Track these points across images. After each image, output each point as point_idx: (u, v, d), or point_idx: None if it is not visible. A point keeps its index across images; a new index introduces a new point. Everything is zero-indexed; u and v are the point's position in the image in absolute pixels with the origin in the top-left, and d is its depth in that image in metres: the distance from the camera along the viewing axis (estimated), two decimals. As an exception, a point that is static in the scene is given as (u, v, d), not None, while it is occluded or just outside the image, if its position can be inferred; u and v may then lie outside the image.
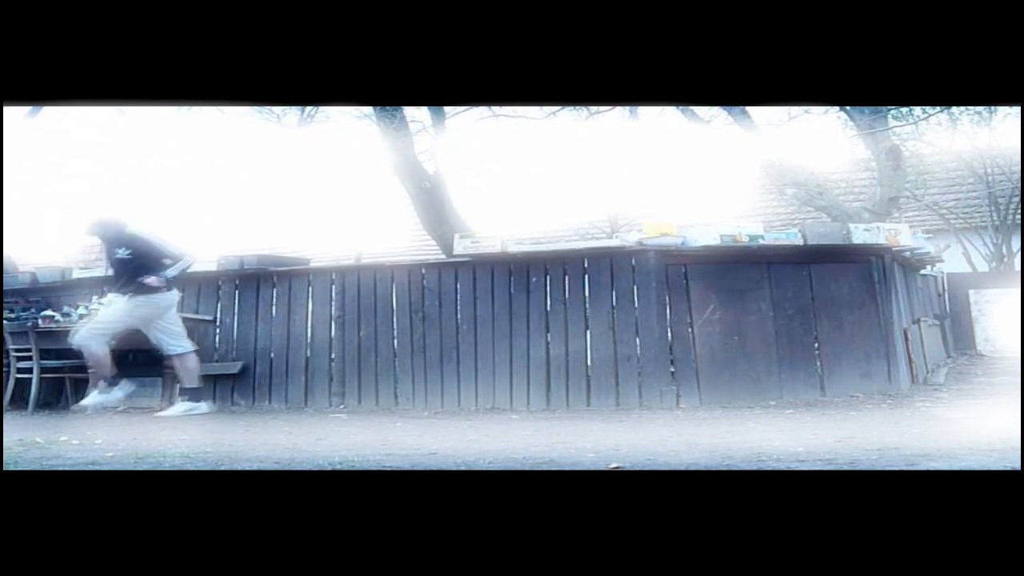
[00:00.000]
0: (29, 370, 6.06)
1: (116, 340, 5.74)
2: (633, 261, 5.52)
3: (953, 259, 11.52)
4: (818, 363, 5.47)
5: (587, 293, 5.58)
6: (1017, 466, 2.40)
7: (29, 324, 6.15)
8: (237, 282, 6.43)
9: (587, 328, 5.55)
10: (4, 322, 6.22)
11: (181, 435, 4.33)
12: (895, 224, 6.77)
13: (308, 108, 9.95)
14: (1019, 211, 12.70)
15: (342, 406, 5.91)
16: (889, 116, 8.71)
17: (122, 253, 5.74)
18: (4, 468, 2.90)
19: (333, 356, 6.08)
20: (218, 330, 6.43)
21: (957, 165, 13.40)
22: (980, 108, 10.46)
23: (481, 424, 4.75)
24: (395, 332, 5.98)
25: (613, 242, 6.08)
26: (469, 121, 9.72)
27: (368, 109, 8.81)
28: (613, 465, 2.81)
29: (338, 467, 2.95)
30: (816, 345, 5.49)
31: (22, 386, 6.18)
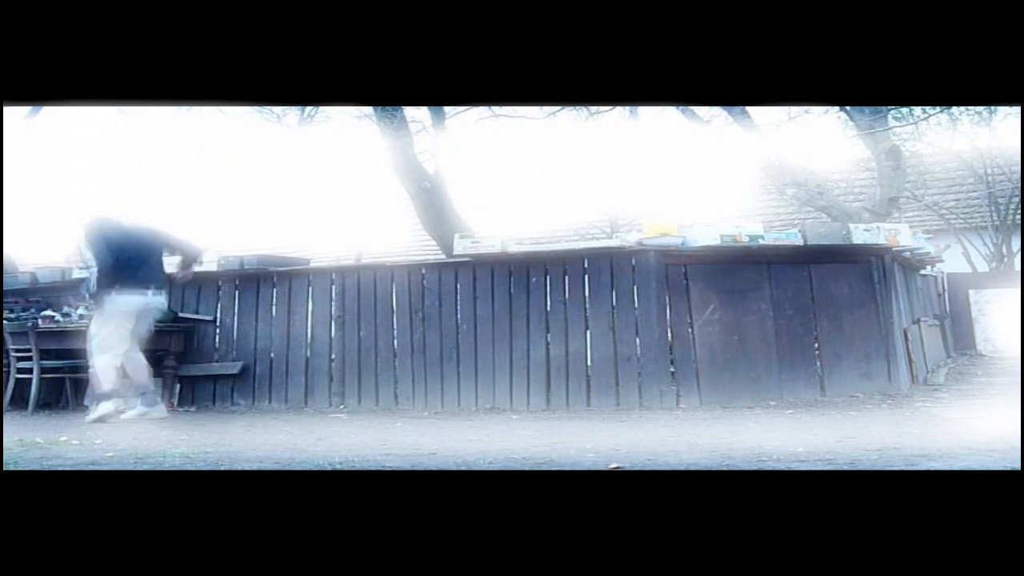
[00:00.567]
0: (29, 370, 6.06)
1: (133, 347, 5.53)
2: (633, 261, 5.52)
3: (953, 259, 11.52)
4: (818, 363, 5.47)
5: (587, 293, 5.59)
6: (1017, 466, 2.40)
7: (29, 324, 6.15)
8: (237, 282, 6.44)
9: (587, 328, 5.55)
10: (4, 322, 6.22)
11: (181, 435, 4.33)
12: (895, 224, 6.77)
13: (308, 108, 9.95)
14: (1019, 211, 12.70)
15: (342, 406, 5.91)
16: (889, 116, 8.71)
17: (103, 252, 5.53)
18: (4, 468, 2.90)
19: (333, 356, 6.09)
20: (218, 330, 6.43)
21: (957, 165, 13.40)
22: (980, 108, 10.46)
23: (481, 424, 4.75)
24: (395, 332, 5.98)
25: (613, 242, 6.08)
26: (469, 121, 9.72)
27: (368, 109, 8.81)
28: (613, 465, 2.81)
29: (338, 467, 2.96)
30: (816, 345, 5.49)
31: (22, 386, 6.18)
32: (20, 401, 6.19)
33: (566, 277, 5.64)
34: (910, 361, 5.99)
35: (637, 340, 5.46)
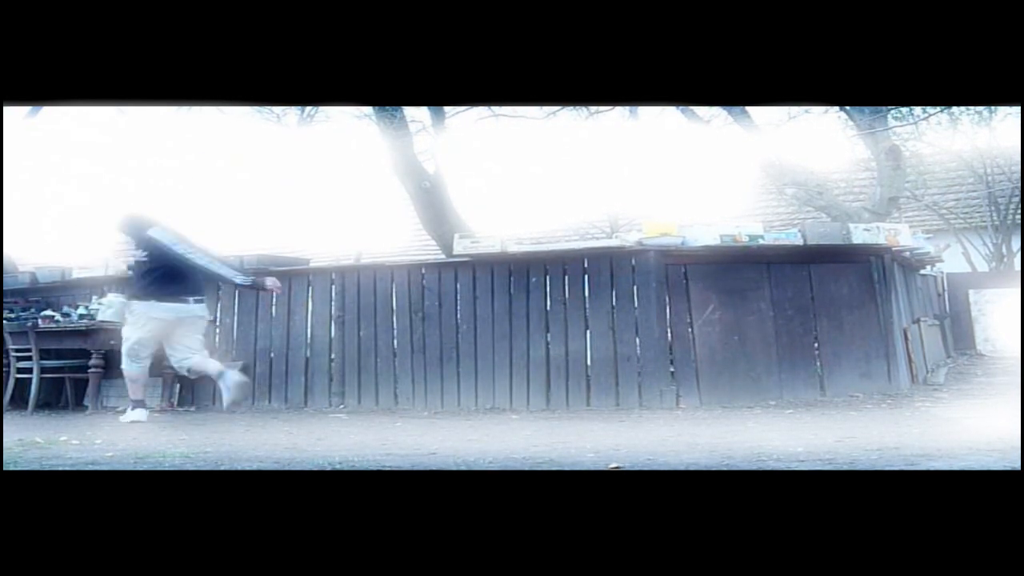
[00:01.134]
0: (29, 370, 6.06)
1: (151, 355, 5.39)
2: (633, 261, 5.52)
3: (953, 259, 11.52)
4: (818, 363, 5.47)
5: (587, 293, 5.59)
6: (1017, 466, 2.40)
7: (29, 324, 6.15)
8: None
9: (587, 328, 5.55)
10: (4, 322, 6.22)
11: (181, 435, 4.33)
12: (895, 224, 6.77)
13: (308, 108, 9.95)
14: (1019, 211, 12.70)
15: (342, 406, 5.91)
16: (889, 116, 8.71)
17: (141, 255, 5.37)
18: (4, 468, 2.90)
19: (333, 356, 6.09)
20: (218, 330, 6.43)
21: (957, 165, 13.40)
22: (980, 108, 10.46)
23: (481, 424, 4.75)
24: (395, 332, 5.98)
25: (613, 242, 6.08)
26: (469, 121, 9.72)
27: (368, 109, 8.81)
28: (613, 465, 2.81)
29: (338, 467, 2.95)
30: (816, 345, 5.49)
31: (22, 386, 6.18)
32: (20, 401, 6.19)
33: (566, 277, 5.64)
34: (910, 361, 5.99)
35: (637, 340, 5.45)
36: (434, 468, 2.90)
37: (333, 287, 6.21)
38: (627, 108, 8.92)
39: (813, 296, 5.53)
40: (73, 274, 6.97)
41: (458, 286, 5.86)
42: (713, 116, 9.24)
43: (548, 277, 5.68)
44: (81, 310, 6.27)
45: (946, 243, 10.70)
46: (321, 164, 14.13)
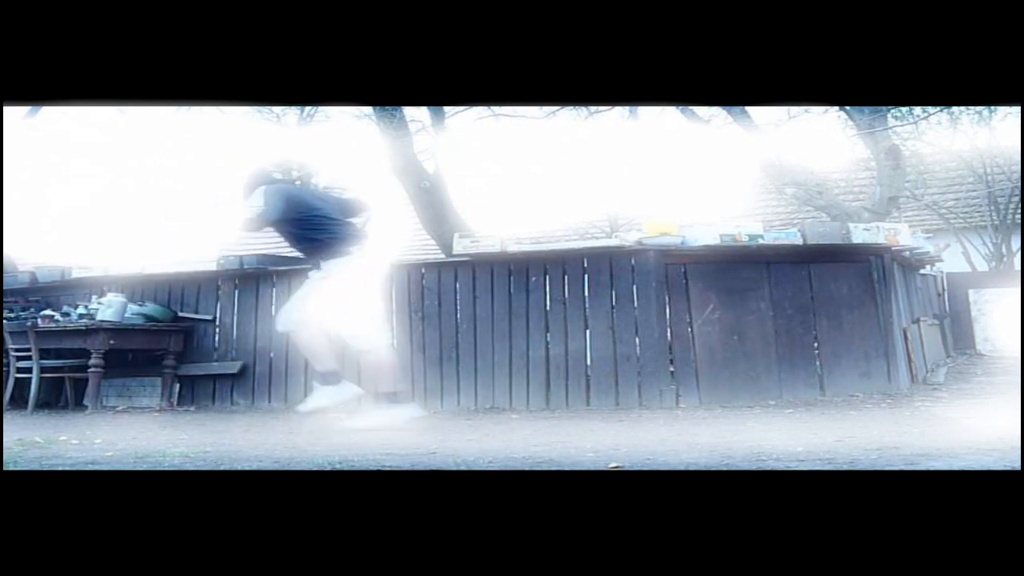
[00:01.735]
0: (29, 370, 6.07)
1: (325, 326, 4.61)
2: (633, 261, 5.52)
3: (953, 259, 11.53)
4: (817, 363, 5.47)
5: (587, 293, 5.59)
6: (1017, 466, 2.41)
7: (29, 324, 6.15)
8: (237, 282, 6.44)
9: (587, 328, 5.55)
10: (4, 322, 6.22)
11: (181, 435, 4.33)
12: (895, 224, 6.77)
13: (308, 108, 9.95)
14: (1019, 211, 12.71)
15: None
16: (889, 116, 8.72)
17: (294, 214, 4.69)
18: (4, 468, 2.90)
19: (333, 356, 6.08)
20: (218, 329, 6.43)
21: (957, 165, 13.41)
22: (980, 108, 10.46)
23: (481, 424, 4.75)
24: (394, 332, 5.98)
25: (613, 242, 6.07)
26: (469, 121, 9.73)
27: (368, 109, 8.82)
28: (613, 465, 2.81)
29: (338, 467, 2.95)
30: (816, 345, 5.49)
31: (22, 386, 6.18)
32: (20, 400, 6.19)
33: (566, 277, 5.64)
34: (910, 361, 5.99)
35: (636, 340, 5.46)
36: (434, 468, 2.90)
37: (333, 287, 6.20)
38: (627, 108, 8.92)
39: (813, 296, 5.53)
40: (73, 274, 6.97)
41: (458, 286, 5.86)
42: (713, 116, 9.25)
43: (548, 277, 5.68)
44: (81, 310, 6.26)
45: (946, 243, 10.71)
46: (321, 164, 14.11)
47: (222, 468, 3.03)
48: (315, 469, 2.91)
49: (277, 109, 10.18)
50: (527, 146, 12.82)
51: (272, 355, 6.21)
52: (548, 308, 5.64)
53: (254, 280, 6.38)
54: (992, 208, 13.08)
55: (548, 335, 5.60)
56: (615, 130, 10.47)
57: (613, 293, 5.53)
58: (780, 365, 5.41)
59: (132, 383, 6.52)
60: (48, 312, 6.39)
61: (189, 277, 6.60)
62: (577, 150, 12.37)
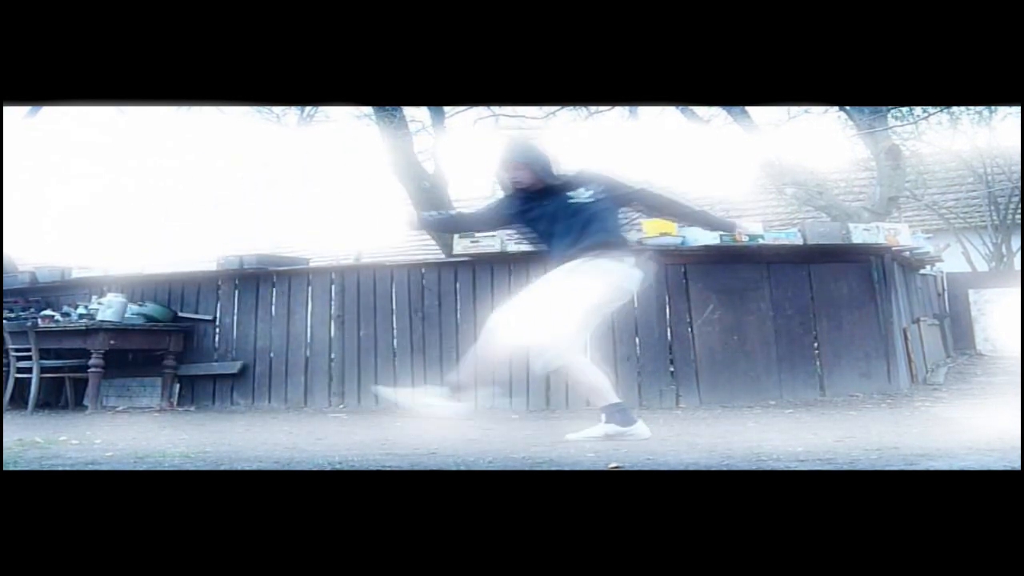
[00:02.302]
0: (29, 370, 6.07)
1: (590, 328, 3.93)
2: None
3: (953, 259, 11.53)
4: (817, 363, 5.47)
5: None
6: (1017, 466, 2.40)
7: (29, 324, 6.15)
8: (237, 282, 6.44)
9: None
10: (4, 322, 6.22)
11: (181, 435, 4.33)
12: (895, 224, 6.77)
13: (308, 108, 9.95)
14: (1019, 211, 12.71)
15: (342, 406, 5.91)
16: (889, 116, 8.72)
17: (581, 196, 3.83)
18: (4, 468, 2.90)
19: (332, 356, 6.09)
20: (217, 329, 6.43)
21: (957, 165, 13.41)
22: (980, 108, 10.46)
23: (481, 424, 4.75)
24: (395, 332, 5.98)
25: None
26: (469, 121, 9.73)
27: (368, 109, 8.82)
28: (613, 465, 2.81)
29: (338, 467, 2.95)
30: (816, 345, 5.50)
31: (22, 386, 6.18)
32: (20, 401, 6.19)
33: (566, 277, 5.63)
34: (910, 361, 5.99)
35: (636, 340, 5.46)
36: (434, 468, 2.90)
37: (333, 287, 6.22)
38: (627, 108, 8.93)
39: (813, 296, 5.53)
40: (73, 274, 6.97)
41: (458, 286, 5.86)
42: (713, 116, 9.25)
43: (548, 277, 5.67)
44: (81, 310, 6.27)
45: (946, 243, 10.71)
46: (321, 164, 14.14)
47: (222, 468, 3.03)
48: (315, 469, 2.91)
49: (277, 109, 10.18)
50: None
51: (272, 355, 6.21)
52: (548, 308, 5.63)
53: (254, 280, 6.38)
54: (992, 208, 13.08)
55: (548, 335, 5.59)
56: (615, 130, 10.47)
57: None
58: (780, 365, 5.41)
59: (132, 383, 6.52)
60: (48, 312, 6.40)
61: (189, 277, 6.61)
62: (577, 150, 12.36)
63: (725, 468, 2.69)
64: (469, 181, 12.25)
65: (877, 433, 3.58)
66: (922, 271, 8.29)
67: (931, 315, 8.31)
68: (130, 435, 4.40)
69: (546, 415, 5.19)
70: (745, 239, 4.42)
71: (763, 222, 5.50)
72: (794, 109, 9.14)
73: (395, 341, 5.97)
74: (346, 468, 2.92)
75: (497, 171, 3.96)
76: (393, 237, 8.29)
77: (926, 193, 13.24)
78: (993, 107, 10.07)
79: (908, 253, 6.62)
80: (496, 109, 9.15)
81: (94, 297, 6.45)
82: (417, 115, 9.03)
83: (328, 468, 2.93)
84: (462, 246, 5.84)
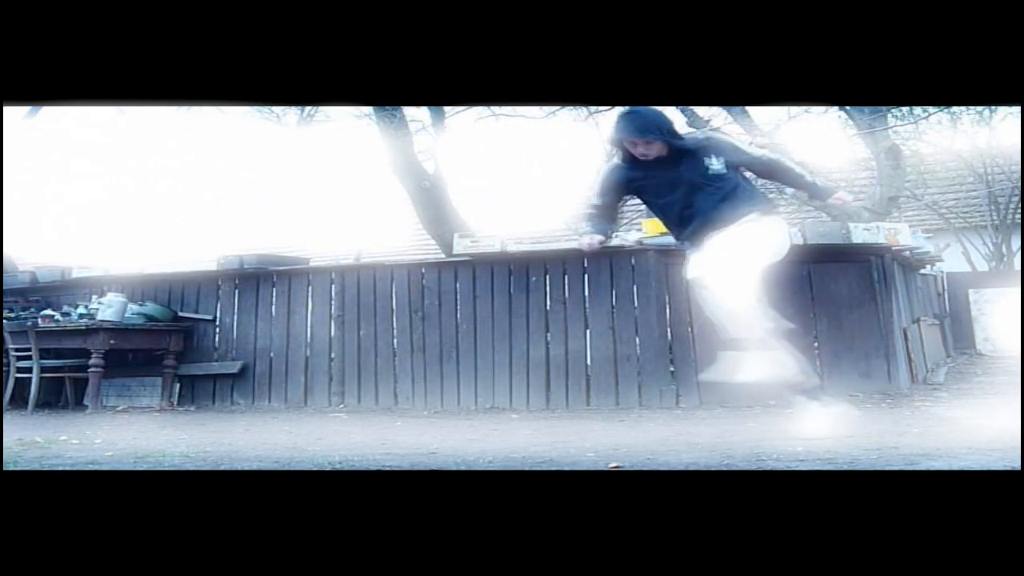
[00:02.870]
0: (29, 370, 6.07)
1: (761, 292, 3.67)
2: (633, 261, 5.52)
3: (953, 258, 11.53)
4: (817, 362, 5.47)
5: (587, 292, 5.59)
6: (1017, 466, 2.40)
7: (29, 324, 6.15)
8: (237, 281, 6.44)
9: (587, 328, 5.55)
10: (4, 322, 6.23)
11: (181, 435, 4.34)
12: (895, 223, 6.76)
13: (308, 108, 9.95)
14: (1019, 210, 12.70)
15: (342, 405, 5.91)
16: (889, 116, 8.71)
17: (717, 165, 3.68)
18: (4, 468, 2.90)
19: (333, 355, 6.09)
20: (218, 329, 6.43)
21: (957, 164, 13.40)
22: (980, 108, 10.46)
23: (481, 423, 4.75)
24: (395, 332, 5.98)
25: (613, 242, 6.08)
26: (469, 121, 9.73)
27: (368, 109, 8.82)
28: (613, 465, 2.81)
29: (338, 467, 2.95)
30: (816, 344, 5.49)
31: (22, 386, 6.18)
32: (20, 400, 6.20)
33: (566, 276, 5.64)
34: (910, 360, 5.98)
35: (637, 339, 5.46)
36: (434, 468, 2.90)
37: (333, 287, 6.21)
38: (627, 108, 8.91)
39: (813, 296, 5.53)
40: (73, 274, 6.97)
41: (458, 286, 5.86)
42: (713, 116, 9.24)
43: (548, 276, 5.68)
44: (81, 310, 6.27)
45: (946, 242, 10.71)
46: (321, 164, 14.14)
47: (222, 468, 3.03)
48: (315, 469, 2.91)
49: (277, 109, 10.18)
50: (527, 146, 12.82)
51: (272, 355, 6.21)
52: (548, 308, 5.65)
53: (254, 280, 6.39)
54: (992, 208, 13.07)
55: (548, 335, 5.60)
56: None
57: (613, 293, 5.53)
58: (780, 365, 5.40)
59: (132, 383, 6.52)
60: (48, 312, 6.40)
61: (189, 277, 6.61)
62: (577, 150, 12.37)
63: (725, 468, 2.69)
64: (469, 181, 12.24)
65: (877, 433, 3.58)
66: (922, 271, 8.29)
67: (931, 315, 8.31)
68: (130, 435, 4.40)
69: (546, 415, 5.19)
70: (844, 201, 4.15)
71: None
72: (794, 109, 9.13)
73: (395, 341, 5.97)
74: (346, 468, 2.92)
75: (617, 144, 3.75)
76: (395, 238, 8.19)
77: (926, 193, 13.24)
78: (993, 107, 10.07)
79: (908, 253, 6.62)
80: (496, 109, 9.15)
81: (94, 297, 6.45)
82: (417, 115, 9.03)
83: (328, 468, 2.93)
84: (462, 246, 5.85)
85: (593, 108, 8.87)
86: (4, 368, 6.20)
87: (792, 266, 5.55)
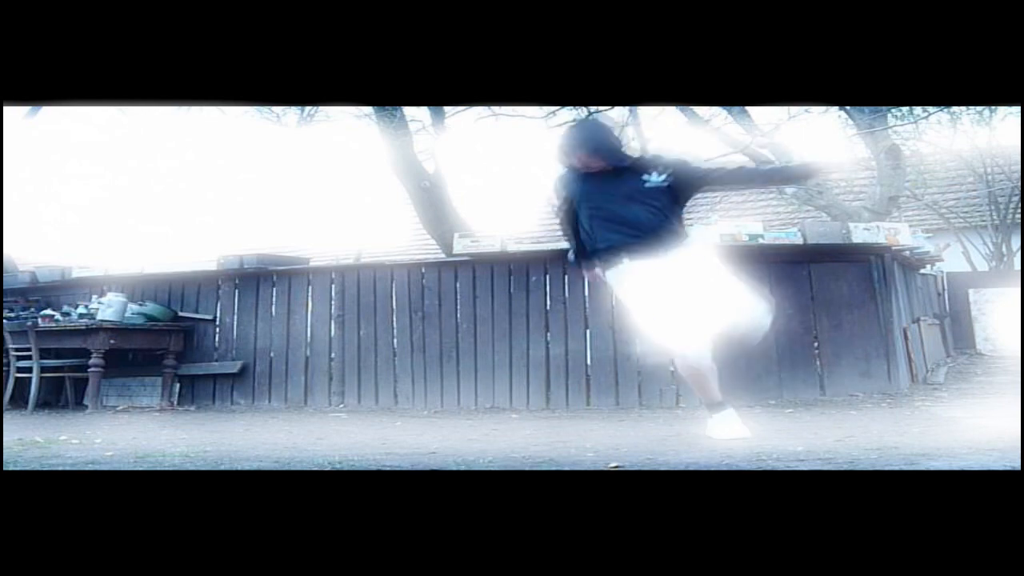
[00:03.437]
0: (29, 370, 6.07)
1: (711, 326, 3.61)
2: (633, 261, 5.51)
3: (953, 258, 11.52)
4: (818, 362, 5.47)
5: (587, 292, 5.59)
6: (1017, 466, 2.41)
7: (29, 324, 6.15)
8: (237, 281, 6.44)
9: (587, 327, 5.55)
10: (4, 322, 6.23)
11: (181, 434, 4.34)
12: (895, 223, 6.76)
13: (308, 108, 9.95)
14: (1019, 210, 12.70)
15: (342, 405, 5.91)
16: (889, 116, 8.71)
17: (656, 180, 3.67)
18: (4, 468, 2.90)
19: (333, 355, 6.09)
20: (218, 329, 6.44)
21: (957, 164, 13.40)
22: (980, 108, 10.46)
23: (481, 423, 4.75)
24: (395, 331, 5.98)
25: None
26: (469, 121, 9.72)
27: (368, 109, 8.81)
28: (613, 464, 2.81)
29: (338, 467, 2.95)
30: (816, 344, 5.49)
31: (22, 385, 6.18)
32: (20, 400, 6.20)
33: (566, 276, 5.64)
34: (910, 360, 5.99)
35: (637, 339, 5.45)
36: (434, 468, 2.90)
37: (333, 286, 6.22)
38: (627, 108, 8.92)
39: (813, 295, 5.53)
40: (73, 274, 6.97)
41: (458, 285, 5.86)
42: (713, 116, 9.24)
43: (548, 276, 5.68)
44: (81, 310, 6.27)
45: (946, 242, 10.70)
46: (321, 164, 14.14)
47: (222, 468, 3.03)
48: (315, 469, 2.91)
49: (277, 109, 10.17)
50: (527, 146, 12.81)
51: (272, 355, 6.21)
52: (548, 308, 5.65)
53: (254, 280, 6.39)
54: (992, 208, 13.07)
55: (548, 335, 5.60)
56: (614, 129, 10.45)
57: (613, 293, 5.53)
58: (780, 365, 5.41)
59: (132, 383, 6.52)
60: (48, 312, 6.40)
61: (189, 277, 6.61)
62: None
63: (725, 468, 2.69)
64: (469, 181, 12.24)
65: (877, 433, 3.58)
66: (922, 271, 8.29)
67: (931, 315, 8.31)
68: (130, 435, 4.40)
69: (546, 415, 5.19)
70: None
71: (763, 221, 5.30)
72: (794, 109, 9.12)
73: (395, 341, 5.97)
74: (346, 468, 2.92)
75: (564, 156, 3.80)
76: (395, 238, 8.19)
77: (926, 193, 13.23)
78: (993, 107, 10.07)
79: (908, 253, 6.62)
80: (496, 109, 9.14)
81: (94, 297, 6.45)
82: (417, 115, 9.03)
83: (328, 468, 2.93)
84: (462, 246, 5.85)
85: (593, 108, 8.86)
86: (4, 368, 6.20)
87: (792, 266, 5.56)
